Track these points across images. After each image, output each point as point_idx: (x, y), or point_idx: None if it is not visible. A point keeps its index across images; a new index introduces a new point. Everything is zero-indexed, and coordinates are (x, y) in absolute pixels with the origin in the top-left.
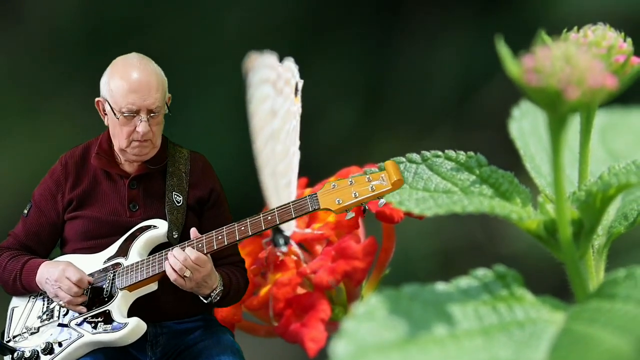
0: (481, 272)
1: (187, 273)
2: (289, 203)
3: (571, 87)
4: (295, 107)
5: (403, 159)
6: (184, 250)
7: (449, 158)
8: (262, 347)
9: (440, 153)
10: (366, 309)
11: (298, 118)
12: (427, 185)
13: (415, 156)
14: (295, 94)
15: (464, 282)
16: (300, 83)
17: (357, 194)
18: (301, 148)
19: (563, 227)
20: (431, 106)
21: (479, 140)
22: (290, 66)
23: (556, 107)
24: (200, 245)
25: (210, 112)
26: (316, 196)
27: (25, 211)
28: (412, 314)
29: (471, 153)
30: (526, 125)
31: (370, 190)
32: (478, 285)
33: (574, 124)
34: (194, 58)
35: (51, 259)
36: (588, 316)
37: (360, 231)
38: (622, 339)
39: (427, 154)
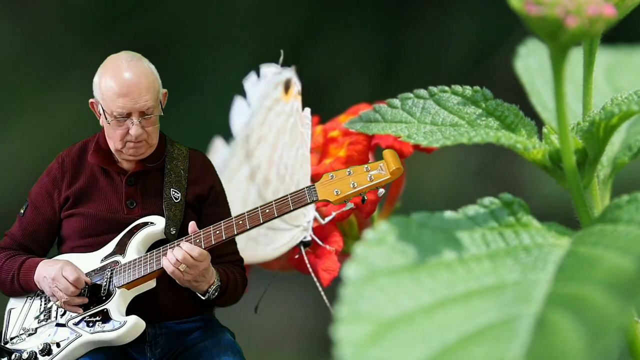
0: (488, 200)
1: (183, 267)
2: (287, 195)
3: (571, 16)
4: (287, 106)
5: (411, 95)
6: (181, 246)
7: (455, 92)
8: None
9: (447, 88)
10: (376, 234)
11: (295, 117)
12: (435, 120)
13: (422, 92)
14: (285, 91)
15: (471, 209)
16: (291, 76)
17: (355, 184)
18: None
19: (567, 156)
20: (446, 73)
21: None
22: (267, 72)
23: (557, 37)
24: (198, 240)
25: (222, 88)
26: (314, 187)
27: (22, 210)
28: (421, 240)
29: (477, 87)
30: (532, 63)
31: (368, 180)
32: (485, 213)
33: (579, 58)
34: (206, 32)
35: (48, 258)
36: (592, 239)
37: None
38: (625, 257)
39: (434, 89)
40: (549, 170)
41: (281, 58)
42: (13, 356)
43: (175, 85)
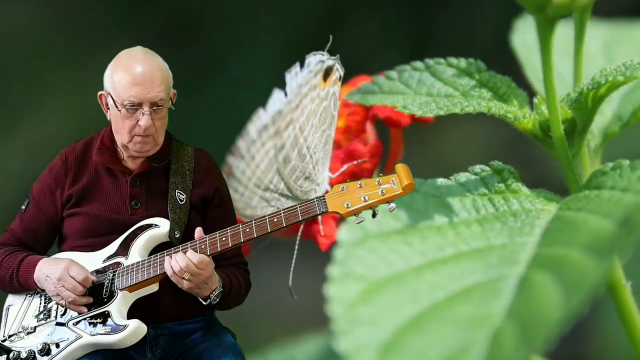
0: (479, 167)
1: (187, 276)
2: (295, 205)
3: None
4: (323, 91)
5: (407, 67)
6: (185, 254)
7: (450, 64)
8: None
9: (442, 60)
10: None
11: (330, 100)
12: (430, 91)
13: (419, 64)
14: (324, 78)
15: (463, 176)
16: (334, 64)
17: (366, 197)
18: None
19: (555, 125)
20: (477, 53)
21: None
22: (311, 61)
23: (543, 9)
24: (203, 246)
25: (251, 68)
26: (324, 199)
27: (23, 207)
28: (413, 205)
29: (471, 60)
30: (529, 38)
31: (380, 194)
32: (476, 179)
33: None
34: (236, 12)
35: (48, 256)
36: (577, 204)
37: (370, 136)
38: (606, 220)
39: (430, 61)
40: (539, 140)
41: (328, 44)
42: (11, 355)
43: (205, 66)
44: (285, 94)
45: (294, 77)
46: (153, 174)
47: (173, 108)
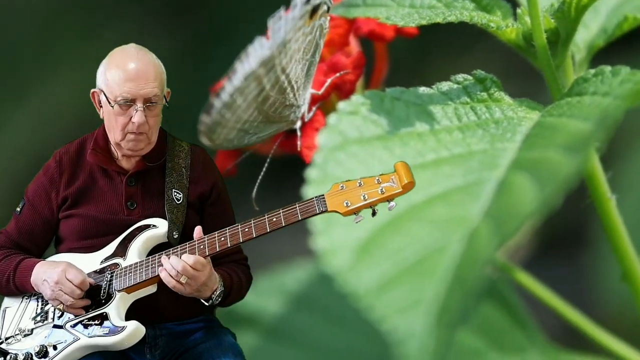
0: (461, 76)
1: (184, 279)
2: (295, 205)
3: None
4: (308, 28)
5: None
6: (180, 257)
7: None
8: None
9: None
10: (350, 106)
11: (315, 33)
12: (413, 3)
13: None
14: (310, 16)
15: (445, 85)
16: (320, 2)
17: (366, 196)
18: None
19: (537, 34)
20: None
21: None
22: (297, 2)
23: None
24: (202, 247)
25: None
26: (324, 198)
27: (18, 209)
28: (394, 112)
29: None
30: None
31: (380, 192)
32: (458, 88)
33: None
34: None
35: (44, 258)
36: (559, 111)
37: (354, 49)
38: (585, 123)
39: None
40: (523, 50)
41: None
42: (8, 357)
43: (212, 36)
44: (268, 39)
45: (277, 21)
46: (149, 173)
47: (167, 105)
